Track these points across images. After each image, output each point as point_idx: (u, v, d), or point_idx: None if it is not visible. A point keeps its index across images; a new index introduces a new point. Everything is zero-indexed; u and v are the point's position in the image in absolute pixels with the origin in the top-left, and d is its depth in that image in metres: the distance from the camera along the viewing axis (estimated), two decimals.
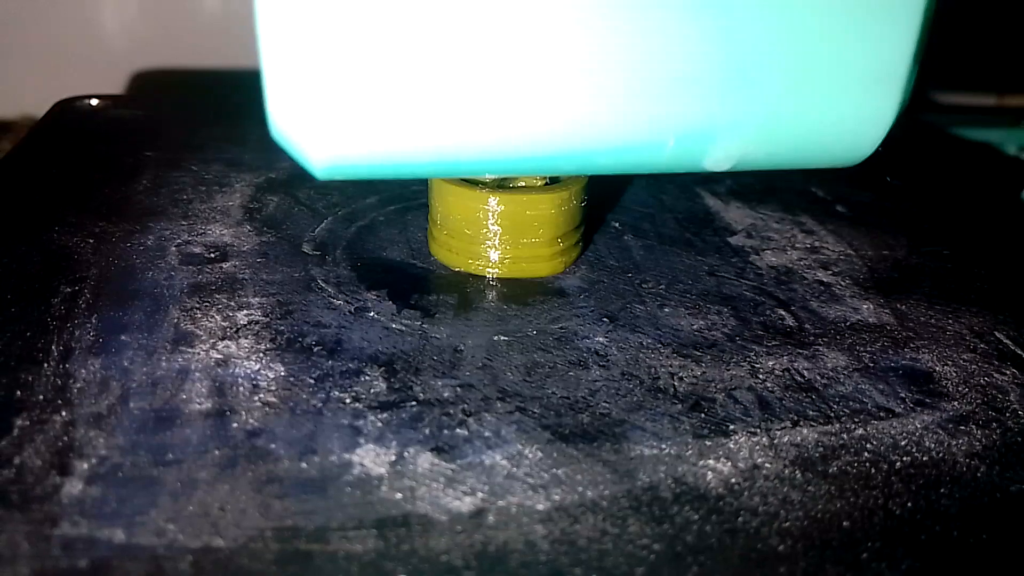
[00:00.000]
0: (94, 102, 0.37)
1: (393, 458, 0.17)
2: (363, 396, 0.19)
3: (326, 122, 0.18)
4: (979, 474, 0.18)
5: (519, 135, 0.19)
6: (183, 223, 0.27)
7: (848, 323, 0.23)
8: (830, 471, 0.18)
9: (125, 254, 0.24)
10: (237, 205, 0.28)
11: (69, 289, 0.22)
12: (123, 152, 0.32)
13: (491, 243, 0.24)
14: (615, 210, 0.29)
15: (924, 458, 0.18)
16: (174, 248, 0.25)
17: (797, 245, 0.28)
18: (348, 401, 0.19)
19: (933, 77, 0.54)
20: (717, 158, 0.20)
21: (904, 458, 0.18)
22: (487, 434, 0.18)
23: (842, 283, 0.25)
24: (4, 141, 0.46)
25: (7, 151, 0.33)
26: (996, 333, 0.23)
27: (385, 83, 0.17)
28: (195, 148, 0.33)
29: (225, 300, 0.22)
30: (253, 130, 0.35)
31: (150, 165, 0.31)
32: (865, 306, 0.24)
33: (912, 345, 0.22)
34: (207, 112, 0.38)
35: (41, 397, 0.18)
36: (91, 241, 0.25)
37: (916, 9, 0.19)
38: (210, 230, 0.26)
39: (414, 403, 0.19)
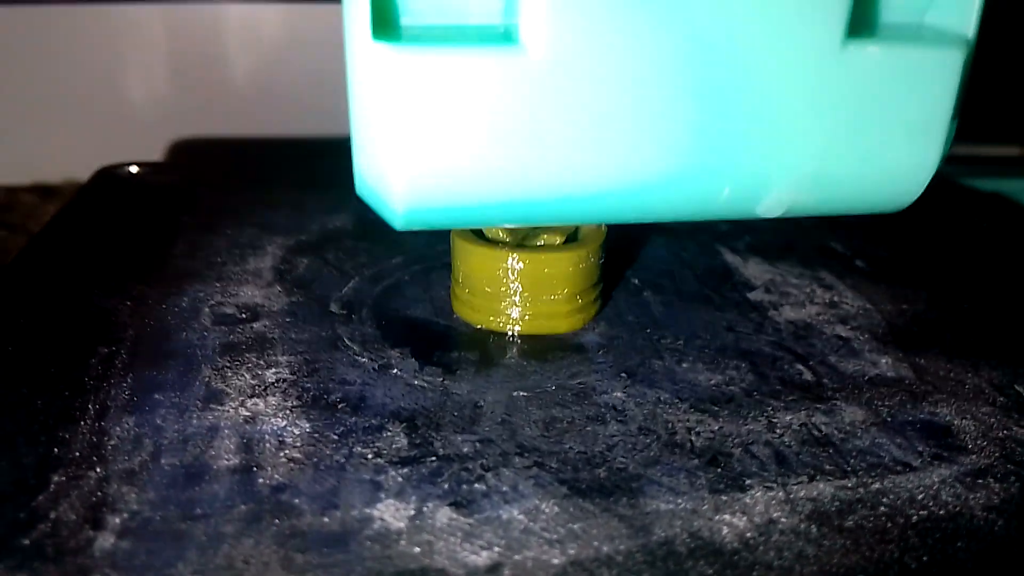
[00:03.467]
0: (134, 169, 0.39)
1: (412, 512, 0.18)
2: (384, 452, 0.19)
3: (411, 170, 0.19)
4: (997, 528, 0.18)
5: (586, 182, 0.20)
6: (217, 285, 0.28)
7: (866, 377, 0.23)
8: (846, 525, 0.18)
9: (161, 315, 0.25)
10: (268, 267, 0.29)
11: (106, 349, 0.23)
12: (161, 217, 0.34)
13: (511, 301, 0.25)
14: (634, 267, 0.30)
15: (941, 512, 0.18)
16: (207, 309, 0.26)
17: (816, 300, 0.28)
18: (370, 457, 0.19)
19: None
20: (769, 205, 0.22)
21: (921, 512, 0.18)
22: (505, 489, 0.18)
23: (861, 337, 0.25)
24: (49, 204, 0.48)
25: (51, 214, 0.34)
26: (1016, 386, 0.23)
27: (463, 132, 0.19)
28: (229, 213, 0.34)
29: (255, 359, 0.23)
30: (285, 195, 0.37)
31: (186, 229, 0.32)
32: (883, 360, 0.24)
33: (930, 399, 0.22)
34: (241, 178, 0.40)
35: (77, 454, 0.19)
36: (128, 303, 0.26)
37: (956, 63, 0.21)
38: (242, 291, 0.27)
39: (434, 458, 0.19)
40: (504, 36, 0.19)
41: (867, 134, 0.21)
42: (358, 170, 0.20)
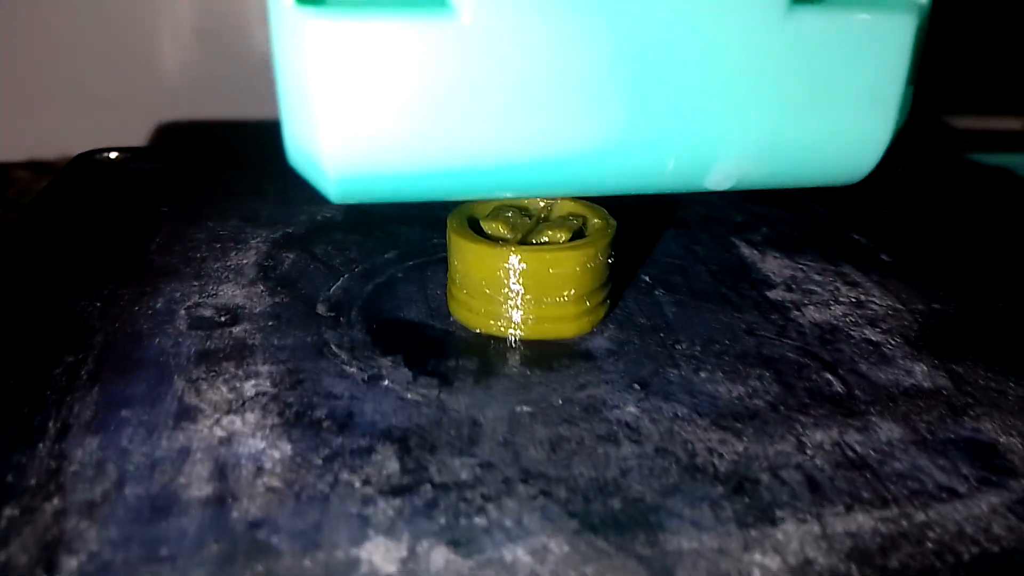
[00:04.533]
0: (113, 155, 0.36)
1: (404, 554, 0.16)
2: (374, 479, 0.18)
3: (342, 137, 0.19)
4: None
5: (522, 151, 0.20)
6: (195, 283, 0.26)
7: (901, 388, 0.21)
8: (890, 566, 0.16)
9: (133, 318, 0.23)
10: (252, 263, 0.27)
11: (72, 358, 0.21)
12: (139, 207, 0.32)
13: (513, 303, 0.23)
14: (645, 263, 0.28)
15: (995, 548, 0.16)
16: (183, 311, 0.24)
17: (841, 299, 0.26)
18: (358, 485, 0.17)
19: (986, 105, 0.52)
20: (718, 178, 0.21)
21: (972, 548, 0.16)
22: (508, 523, 0.16)
23: (892, 342, 0.23)
24: (43, 181, 0.47)
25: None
26: None
27: (395, 98, 0.18)
28: (213, 202, 0.32)
29: (233, 369, 0.21)
30: (272, 182, 0.34)
31: (166, 220, 0.30)
32: (918, 368, 0.22)
33: (972, 413, 0.20)
34: (227, 164, 0.38)
35: (33, 482, 0.17)
36: (99, 304, 0.24)
37: (908, 29, 0.20)
38: (222, 291, 0.25)
39: (429, 487, 0.17)
40: (434, 0, 0.18)
41: (816, 104, 0.20)
42: (289, 140, 0.20)
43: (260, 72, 0.47)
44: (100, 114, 0.48)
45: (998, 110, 0.53)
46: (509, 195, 0.24)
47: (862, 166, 0.22)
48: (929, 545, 0.16)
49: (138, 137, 0.48)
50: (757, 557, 0.16)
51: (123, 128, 0.48)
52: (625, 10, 0.18)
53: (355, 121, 0.18)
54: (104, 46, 0.47)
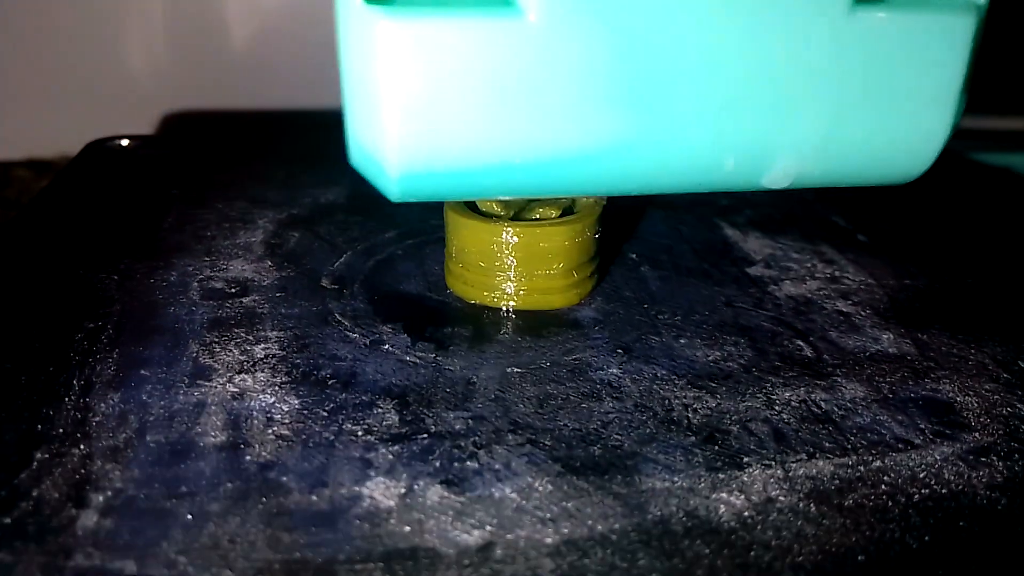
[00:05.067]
0: (124, 142, 0.38)
1: (403, 491, 0.17)
2: (375, 429, 0.19)
3: (407, 137, 0.19)
4: (1000, 507, 0.17)
5: (583, 150, 0.20)
6: (206, 259, 0.27)
7: (867, 353, 0.23)
8: (846, 504, 0.17)
9: (149, 290, 0.25)
10: (259, 241, 0.29)
11: (92, 325, 0.23)
12: (150, 191, 0.33)
13: (506, 275, 0.24)
14: (632, 241, 0.29)
15: (943, 491, 0.18)
16: (196, 284, 0.25)
17: (817, 275, 0.27)
18: (360, 434, 0.19)
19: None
20: (775, 176, 0.21)
21: (923, 491, 0.18)
22: (497, 467, 0.18)
23: (862, 313, 0.25)
24: (43, 180, 0.48)
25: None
26: (1020, 362, 0.23)
27: (461, 98, 0.18)
28: (220, 186, 0.34)
29: (243, 334, 0.23)
30: (277, 168, 0.36)
31: (176, 203, 0.32)
32: (885, 336, 0.24)
33: (933, 375, 0.22)
34: (233, 151, 0.39)
35: (61, 430, 0.19)
36: (116, 277, 0.26)
37: (967, 29, 0.20)
38: (232, 266, 0.27)
39: (425, 436, 0.19)
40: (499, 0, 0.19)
41: (876, 103, 0.21)
42: (352, 139, 0.20)
43: (264, 63, 0.49)
44: (100, 113, 0.49)
45: (1001, 110, 0.54)
46: (565, 194, 0.24)
47: (918, 164, 0.22)
48: (884, 488, 0.18)
49: (143, 131, 0.49)
50: (724, 496, 0.17)
51: (123, 128, 0.48)
52: (688, 9, 0.19)
53: (421, 121, 0.18)
54: (103, 45, 0.48)
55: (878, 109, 0.21)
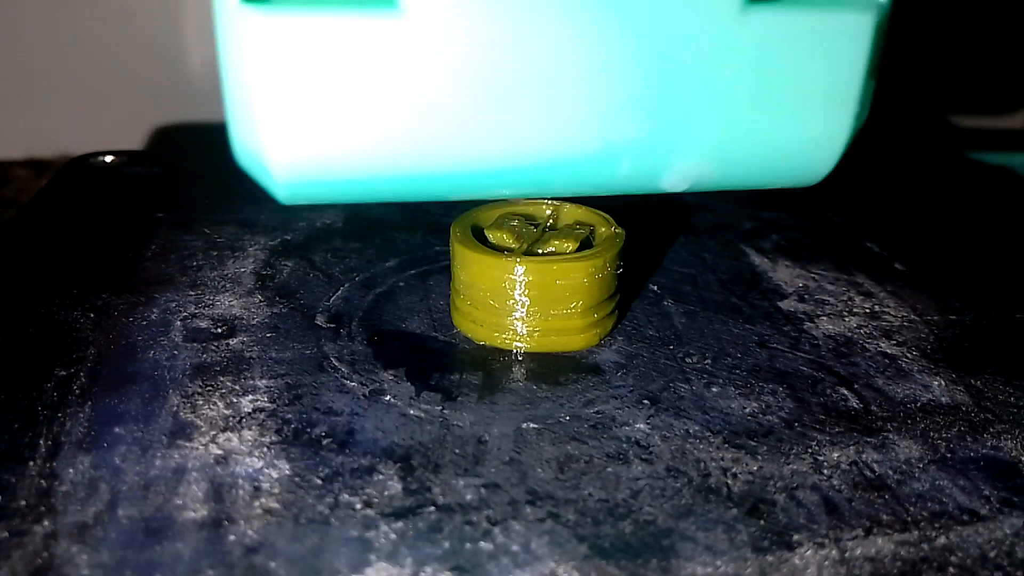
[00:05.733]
0: (108, 159, 0.36)
1: None
2: (375, 500, 0.17)
3: (287, 140, 0.18)
4: None
5: (469, 157, 0.19)
6: (191, 293, 0.25)
7: (919, 404, 0.21)
8: None
9: (127, 330, 0.23)
10: (249, 272, 0.26)
11: (64, 372, 0.21)
12: (134, 213, 0.31)
13: (518, 315, 0.22)
14: (653, 272, 0.27)
15: (1018, 573, 0.16)
16: (179, 322, 0.23)
17: (855, 310, 0.25)
18: (359, 507, 0.17)
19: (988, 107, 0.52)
20: (673, 179, 0.21)
21: (995, 573, 0.16)
22: (515, 548, 0.16)
23: (908, 355, 0.23)
24: (42, 179, 0.46)
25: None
26: None
27: (340, 97, 0.18)
28: (209, 208, 0.32)
29: (230, 384, 0.21)
30: None
31: (161, 227, 0.30)
32: (936, 382, 0.22)
33: (992, 430, 0.20)
34: (224, 168, 0.37)
35: (23, 503, 0.17)
36: (92, 315, 0.23)
37: (866, 28, 0.20)
38: (219, 301, 0.25)
39: (432, 508, 0.17)
40: None
41: (772, 105, 0.20)
42: (235, 139, 0.19)
43: None
44: (100, 113, 0.48)
45: (1001, 109, 0.53)
46: (453, 197, 0.23)
47: (820, 167, 0.22)
48: (952, 570, 0.16)
49: (138, 135, 0.48)
50: None
51: (122, 127, 0.47)
52: (579, 6, 0.18)
53: (302, 124, 0.18)
54: (103, 44, 0.47)
55: (775, 111, 0.20)
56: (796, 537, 0.16)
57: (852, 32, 0.20)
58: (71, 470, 0.18)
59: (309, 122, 0.18)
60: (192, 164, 0.37)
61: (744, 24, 0.19)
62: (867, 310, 0.25)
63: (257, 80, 0.18)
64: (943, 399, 0.21)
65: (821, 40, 0.20)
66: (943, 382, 0.22)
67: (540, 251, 0.23)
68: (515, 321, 0.22)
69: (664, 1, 0.18)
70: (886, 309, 0.25)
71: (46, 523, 0.16)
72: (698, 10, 0.19)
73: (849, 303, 0.26)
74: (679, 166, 0.21)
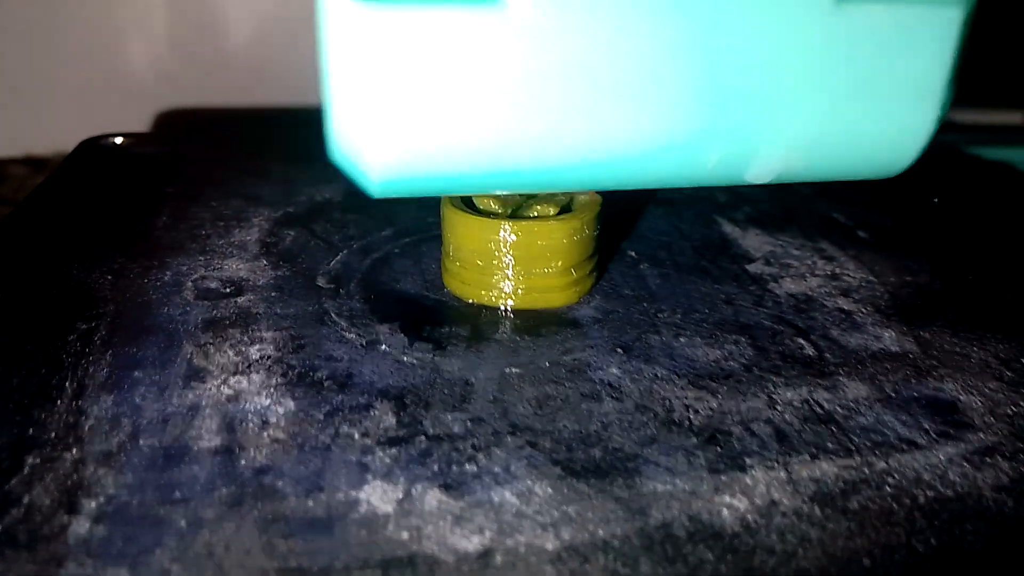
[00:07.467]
0: (118, 140, 0.38)
1: (400, 495, 0.17)
2: (372, 431, 0.19)
3: (384, 137, 0.18)
4: (1006, 508, 0.17)
5: (567, 151, 0.20)
6: (200, 258, 0.27)
7: (869, 352, 0.23)
8: (850, 507, 0.17)
9: (142, 290, 0.25)
10: (254, 240, 0.28)
11: (85, 325, 0.23)
12: (145, 189, 0.33)
13: (504, 274, 0.24)
14: (631, 239, 0.29)
15: (948, 492, 0.18)
16: (190, 283, 0.25)
17: (817, 272, 0.27)
18: (357, 437, 0.19)
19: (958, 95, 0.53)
20: (759, 172, 0.21)
21: (928, 492, 0.18)
22: (496, 470, 0.18)
23: (863, 310, 0.25)
24: (39, 177, 0.48)
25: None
26: (1023, 360, 0.22)
27: (441, 92, 0.18)
28: (215, 184, 0.33)
29: (238, 335, 0.22)
30: (273, 166, 0.36)
31: (170, 201, 0.32)
32: (887, 334, 0.24)
33: (936, 374, 0.22)
34: (229, 149, 0.39)
35: (53, 435, 0.18)
36: (109, 277, 0.25)
37: (954, 22, 0.20)
38: (226, 265, 0.26)
39: (423, 438, 0.19)
40: None
41: (860, 97, 0.20)
42: (331, 135, 0.20)
43: (260, 60, 0.48)
44: (97, 111, 0.49)
45: (998, 103, 0.54)
46: (550, 189, 0.24)
47: (903, 158, 0.22)
48: (888, 490, 0.18)
49: (139, 128, 0.49)
50: (727, 499, 0.17)
51: (121, 126, 0.48)
52: (678, 2, 0.18)
53: (400, 119, 0.18)
54: (101, 42, 0.48)
55: (864, 103, 0.21)
56: (748, 461, 0.18)
57: (941, 26, 0.20)
58: (95, 407, 0.19)
59: (409, 117, 0.18)
60: (196, 146, 0.39)
61: (839, 17, 0.19)
62: (828, 272, 0.27)
63: (360, 74, 0.18)
64: (893, 348, 0.23)
65: (911, 34, 0.20)
66: (894, 333, 0.24)
67: (524, 214, 0.25)
68: (501, 279, 0.24)
69: None
70: (846, 271, 0.27)
71: (75, 451, 0.18)
72: (794, 4, 0.19)
73: (812, 266, 0.28)
74: (767, 159, 0.21)
